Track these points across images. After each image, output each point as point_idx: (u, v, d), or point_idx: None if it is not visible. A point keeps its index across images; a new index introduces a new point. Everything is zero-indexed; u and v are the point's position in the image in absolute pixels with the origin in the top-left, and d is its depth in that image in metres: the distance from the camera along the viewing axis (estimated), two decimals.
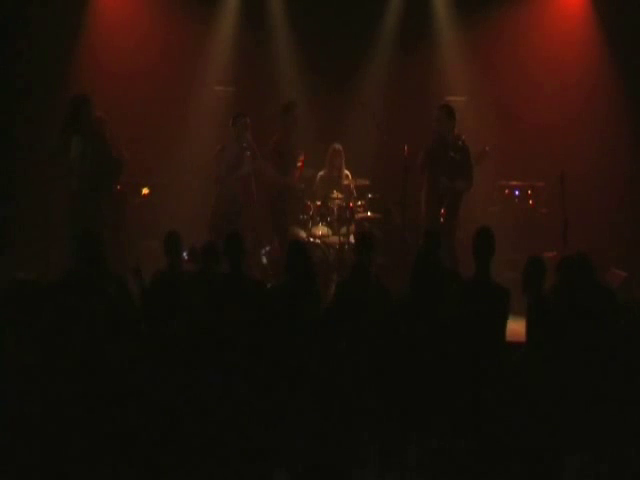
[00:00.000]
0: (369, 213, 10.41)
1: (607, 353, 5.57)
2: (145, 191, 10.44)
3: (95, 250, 6.53)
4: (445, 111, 9.56)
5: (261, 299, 6.61)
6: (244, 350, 5.95)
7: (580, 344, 5.73)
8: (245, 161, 9.89)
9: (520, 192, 10.80)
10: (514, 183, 10.82)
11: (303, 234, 10.15)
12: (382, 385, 5.85)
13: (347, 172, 10.54)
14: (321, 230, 10.19)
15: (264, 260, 10.18)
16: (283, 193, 10.12)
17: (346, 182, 10.46)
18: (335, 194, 10.27)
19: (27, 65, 10.44)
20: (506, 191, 10.81)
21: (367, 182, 10.66)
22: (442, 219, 9.41)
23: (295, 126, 10.10)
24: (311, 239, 10.05)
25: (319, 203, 10.24)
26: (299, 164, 10.13)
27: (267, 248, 10.28)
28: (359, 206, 10.35)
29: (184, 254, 7.56)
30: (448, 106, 9.70)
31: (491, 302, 6.31)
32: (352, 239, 10.07)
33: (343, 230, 10.11)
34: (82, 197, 8.85)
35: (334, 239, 10.15)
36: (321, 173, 10.59)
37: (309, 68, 11.34)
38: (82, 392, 5.03)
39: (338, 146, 10.49)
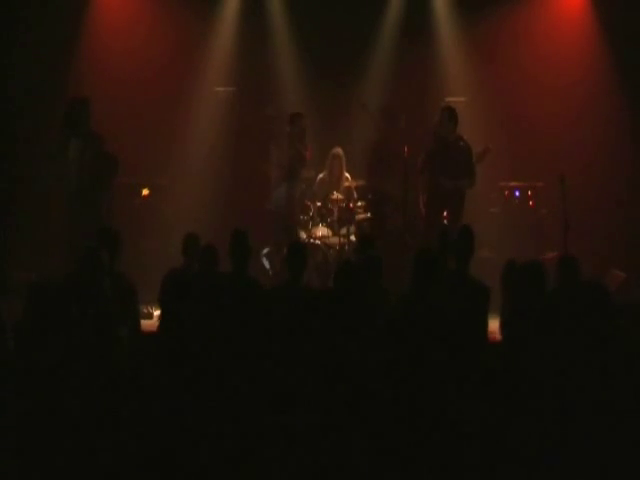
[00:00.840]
0: (369, 214, 10.41)
1: (601, 355, 5.57)
2: (145, 192, 10.45)
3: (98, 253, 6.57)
4: (447, 113, 9.61)
5: (262, 301, 6.62)
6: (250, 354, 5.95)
7: (572, 344, 5.74)
8: (301, 164, 9.84)
9: (520, 192, 10.80)
10: (514, 183, 10.81)
11: (303, 235, 10.15)
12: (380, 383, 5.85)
13: (347, 175, 10.52)
14: (321, 231, 10.20)
15: (265, 262, 10.18)
16: (380, 198, 10.04)
17: (346, 184, 10.45)
18: (335, 195, 10.27)
19: (27, 66, 10.44)
20: (506, 192, 10.80)
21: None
22: (445, 220, 9.45)
23: (399, 130, 9.94)
24: (311, 240, 10.05)
25: (319, 204, 10.24)
26: None
27: (267, 249, 10.28)
28: (359, 207, 10.35)
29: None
30: (450, 108, 9.74)
31: (470, 299, 6.35)
32: (353, 238, 10.11)
33: (343, 231, 10.12)
34: (81, 197, 8.86)
35: (334, 240, 10.15)
36: (321, 175, 10.60)
37: (309, 68, 11.32)
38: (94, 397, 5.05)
39: (339, 151, 10.44)
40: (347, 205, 10.18)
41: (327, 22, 11.17)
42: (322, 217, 10.20)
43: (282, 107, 11.19)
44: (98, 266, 6.42)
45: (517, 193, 10.78)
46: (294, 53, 11.43)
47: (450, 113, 9.62)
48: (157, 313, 7.57)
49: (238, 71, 11.40)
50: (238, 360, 5.77)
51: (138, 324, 6.91)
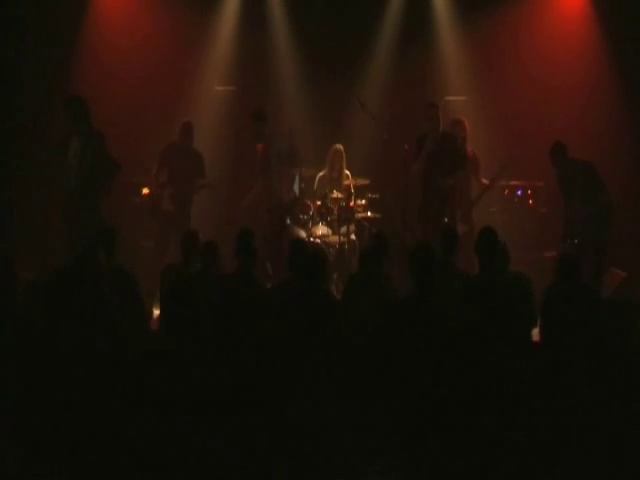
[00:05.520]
0: (369, 213, 10.41)
1: (601, 353, 5.57)
2: (145, 191, 10.42)
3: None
4: (435, 110, 9.73)
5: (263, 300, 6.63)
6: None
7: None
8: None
9: (520, 192, 10.79)
10: (514, 183, 10.81)
11: (303, 234, 10.15)
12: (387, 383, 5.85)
13: (347, 172, 10.55)
14: (321, 230, 10.20)
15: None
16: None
17: (346, 182, 10.47)
18: (335, 194, 10.28)
19: (27, 65, 10.44)
20: (506, 191, 10.80)
21: (367, 182, 10.68)
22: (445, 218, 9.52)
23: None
24: (311, 239, 10.06)
25: (319, 203, 10.25)
26: None
27: None
28: (359, 206, 10.36)
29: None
30: (431, 105, 9.85)
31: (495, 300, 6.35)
32: (353, 237, 10.12)
33: (343, 230, 10.13)
34: (80, 197, 8.85)
35: (334, 239, 10.16)
36: (321, 173, 10.62)
37: (309, 68, 11.34)
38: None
39: (339, 146, 10.52)
40: (347, 204, 10.18)
41: (327, 21, 11.20)
42: (322, 216, 10.21)
43: (281, 105, 11.27)
44: (93, 266, 6.42)
45: (517, 192, 10.77)
46: (294, 52, 11.44)
47: (437, 110, 9.75)
48: (157, 312, 7.59)
49: (238, 70, 11.42)
50: (240, 358, 5.78)
51: (143, 312, 6.92)
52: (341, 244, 10.05)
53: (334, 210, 10.22)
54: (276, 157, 10.11)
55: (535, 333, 6.75)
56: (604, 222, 9.39)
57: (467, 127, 10.13)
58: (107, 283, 6.31)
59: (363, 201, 10.40)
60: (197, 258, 7.29)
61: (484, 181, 10.23)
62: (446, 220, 9.57)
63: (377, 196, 10.56)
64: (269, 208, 10.00)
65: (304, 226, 10.22)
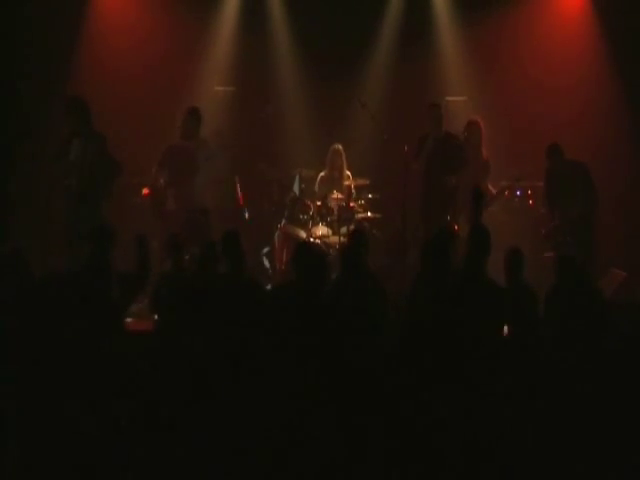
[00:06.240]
0: (369, 213, 10.42)
1: (599, 352, 5.58)
2: (145, 191, 10.43)
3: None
4: (437, 110, 9.74)
5: (260, 300, 6.62)
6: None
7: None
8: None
9: (520, 192, 10.79)
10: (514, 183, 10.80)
11: (303, 234, 10.16)
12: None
13: (348, 173, 10.56)
14: (321, 230, 10.22)
15: (265, 261, 10.19)
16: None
17: (347, 182, 10.48)
18: (335, 194, 10.30)
19: (27, 65, 10.44)
20: (506, 191, 10.79)
21: (367, 182, 10.69)
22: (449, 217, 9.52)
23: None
24: (311, 239, 10.06)
25: (319, 203, 10.27)
26: None
27: (267, 249, 10.29)
28: (359, 206, 10.37)
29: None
30: (433, 105, 9.88)
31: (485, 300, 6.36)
32: None
33: (343, 230, 10.13)
34: (81, 198, 8.85)
35: (334, 239, 10.17)
36: (322, 173, 10.63)
37: (309, 68, 11.35)
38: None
39: (338, 146, 10.54)
40: (347, 204, 10.20)
41: (327, 21, 11.21)
42: (322, 216, 10.23)
43: (281, 106, 11.24)
44: (106, 266, 6.45)
45: (517, 192, 10.77)
46: (294, 52, 11.46)
47: (439, 110, 9.77)
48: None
49: (238, 71, 11.42)
50: (241, 361, 5.79)
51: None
52: (341, 244, 10.05)
53: (334, 210, 10.24)
54: (204, 160, 10.05)
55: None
56: (590, 223, 9.40)
57: (482, 128, 10.10)
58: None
59: (363, 201, 10.42)
60: (184, 259, 7.32)
61: (491, 188, 10.21)
62: (448, 219, 9.57)
63: (377, 196, 10.58)
64: (188, 211, 9.82)
65: (304, 226, 10.23)
